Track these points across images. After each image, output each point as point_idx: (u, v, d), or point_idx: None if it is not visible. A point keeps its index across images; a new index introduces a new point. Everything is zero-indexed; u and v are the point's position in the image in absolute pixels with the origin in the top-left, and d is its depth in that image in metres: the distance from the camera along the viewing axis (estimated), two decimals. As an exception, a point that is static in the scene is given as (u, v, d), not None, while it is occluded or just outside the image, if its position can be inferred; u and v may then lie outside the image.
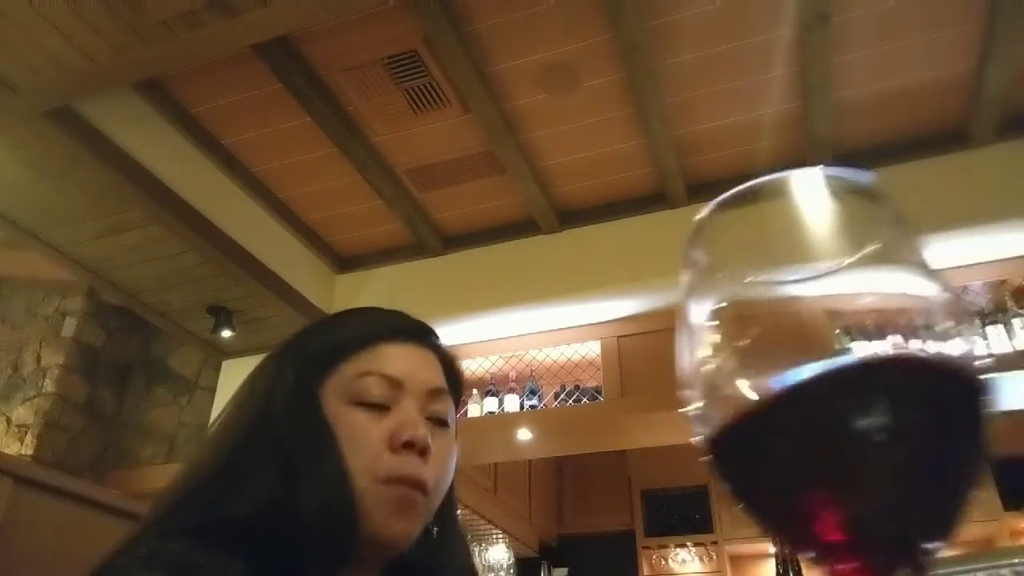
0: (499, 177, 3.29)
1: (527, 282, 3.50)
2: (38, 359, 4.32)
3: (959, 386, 0.26)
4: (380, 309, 0.77)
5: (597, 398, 3.50)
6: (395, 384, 0.68)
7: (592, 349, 3.62)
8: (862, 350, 0.24)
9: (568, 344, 3.65)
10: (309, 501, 0.61)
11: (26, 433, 4.05)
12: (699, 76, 2.79)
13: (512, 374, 3.71)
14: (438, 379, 0.73)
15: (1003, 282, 3.16)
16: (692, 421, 0.28)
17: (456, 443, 0.74)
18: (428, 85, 2.77)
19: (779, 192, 0.29)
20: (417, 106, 2.87)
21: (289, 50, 2.63)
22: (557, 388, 3.65)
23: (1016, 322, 3.02)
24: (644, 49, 2.60)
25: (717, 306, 0.27)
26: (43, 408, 4.09)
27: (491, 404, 3.64)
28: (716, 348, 0.27)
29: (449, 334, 3.65)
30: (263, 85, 2.79)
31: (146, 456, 4.37)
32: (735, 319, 0.27)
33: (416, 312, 0.79)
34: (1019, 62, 2.69)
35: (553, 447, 4.00)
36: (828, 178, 0.29)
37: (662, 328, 3.47)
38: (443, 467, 0.70)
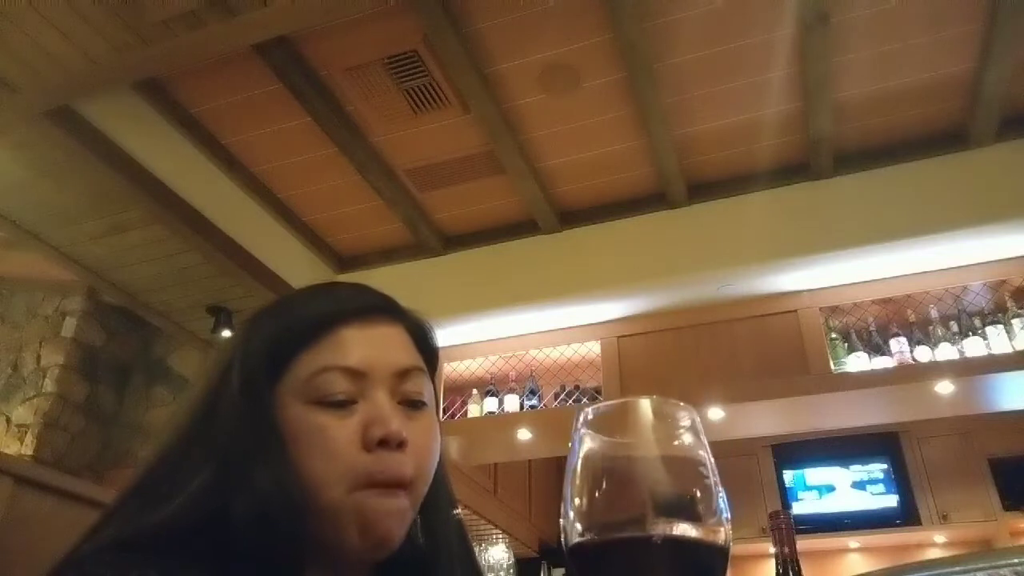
0: (499, 177, 3.29)
1: (527, 282, 3.50)
2: (38, 359, 4.32)
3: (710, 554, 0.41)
4: (335, 285, 0.72)
5: (597, 398, 3.50)
6: (358, 376, 0.63)
7: (592, 349, 3.62)
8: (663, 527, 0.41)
9: (568, 344, 3.65)
10: (243, 509, 0.58)
11: (26, 433, 4.05)
12: (699, 76, 2.79)
13: (512, 374, 3.71)
14: (407, 357, 0.67)
15: (1003, 282, 3.16)
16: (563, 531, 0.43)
17: (437, 419, 0.70)
18: (428, 85, 2.77)
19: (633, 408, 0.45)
20: (417, 106, 2.87)
21: (289, 50, 2.63)
22: (557, 388, 3.65)
23: (1016, 322, 3.02)
24: (644, 49, 2.60)
25: (581, 459, 0.44)
26: (43, 408, 4.09)
27: (491, 404, 3.64)
28: (577, 491, 0.43)
29: (449, 334, 3.65)
30: (263, 85, 2.79)
31: (146, 456, 4.37)
32: (591, 473, 0.43)
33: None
34: (1019, 62, 2.69)
35: (553, 447, 4.00)
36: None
37: (662, 328, 3.47)
38: (424, 452, 0.65)
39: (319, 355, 0.63)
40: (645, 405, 0.44)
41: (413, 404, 0.66)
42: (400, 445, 0.62)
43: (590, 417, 0.44)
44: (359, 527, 0.60)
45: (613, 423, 0.44)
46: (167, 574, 0.55)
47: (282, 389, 0.63)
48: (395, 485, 0.61)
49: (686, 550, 0.41)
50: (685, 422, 0.44)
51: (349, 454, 0.61)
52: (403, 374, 0.66)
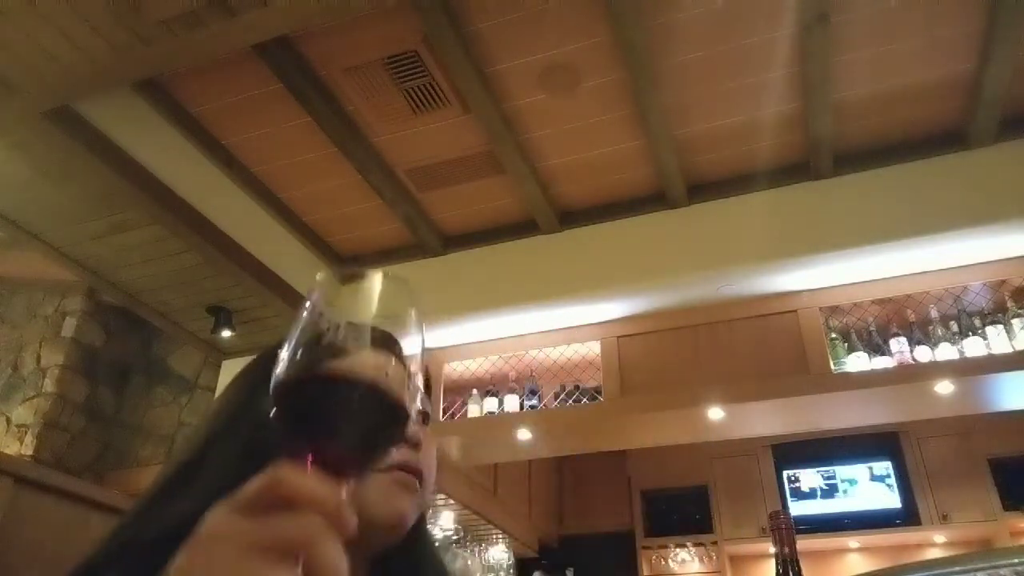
0: (499, 177, 3.29)
1: (527, 282, 3.50)
2: (38, 359, 4.32)
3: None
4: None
5: (597, 398, 3.50)
6: None
7: (592, 349, 3.62)
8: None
9: (568, 344, 3.65)
10: None
11: (26, 433, 4.06)
12: (699, 76, 2.79)
13: (512, 374, 3.71)
14: (414, 381, 0.76)
15: (1003, 282, 3.16)
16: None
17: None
18: (428, 85, 2.77)
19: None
20: (417, 106, 2.87)
21: (289, 50, 2.63)
22: (557, 388, 3.65)
23: (1016, 322, 3.02)
24: (644, 49, 2.60)
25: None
26: (43, 408, 4.10)
27: (491, 404, 3.64)
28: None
29: (449, 334, 3.65)
30: (263, 85, 2.79)
31: (146, 456, 4.38)
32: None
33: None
34: (1019, 62, 2.69)
35: (553, 447, 4.00)
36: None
37: (662, 328, 3.47)
38: (431, 459, 0.74)
39: (345, 363, 0.69)
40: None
41: (422, 418, 0.75)
42: (416, 445, 0.71)
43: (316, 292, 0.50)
44: (378, 503, 0.67)
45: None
46: None
47: None
48: (412, 471, 0.70)
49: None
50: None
51: None
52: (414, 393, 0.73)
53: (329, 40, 2.62)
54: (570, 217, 3.53)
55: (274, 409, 0.47)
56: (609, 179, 3.34)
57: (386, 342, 0.74)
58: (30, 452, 3.95)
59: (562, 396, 3.61)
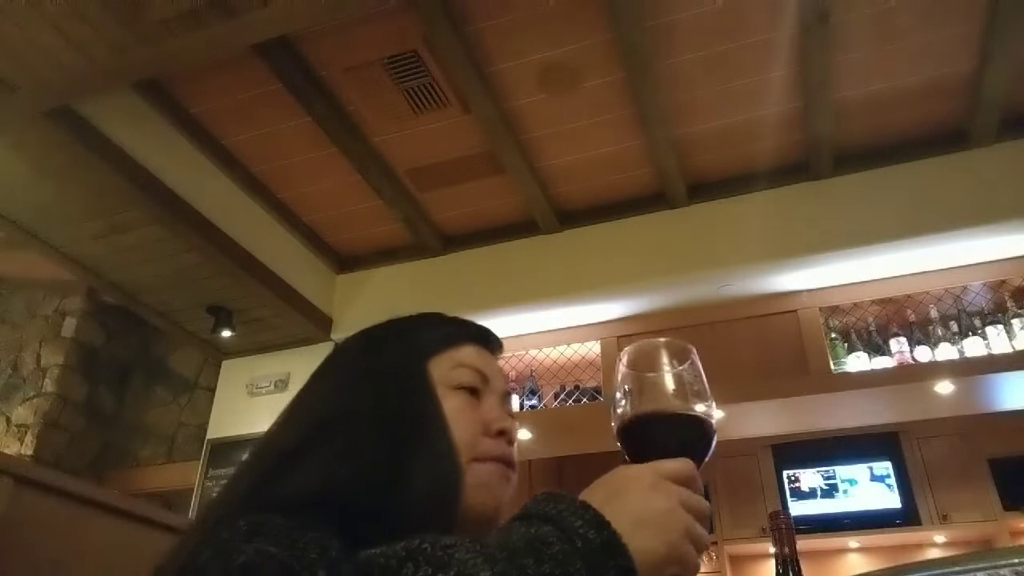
0: (499, 177, 3.29)
1: (527, 282, 3.50)
2: (38, 359, 4.32)
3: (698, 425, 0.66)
4: (456, 317, 0.89)
5: (597, 398, 3.50)
6: (483, 377, 0.79)
7: (592, 349, 3.62)
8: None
9: (568, 344, 3.65)
10: (423, 475, 0.66)
11: (26, 433, 4.06)
12: (699, 76, 2.79)
13: (512, 374, 3.71)
14: (507, 383, 0.85)
15: (1003, 282, 3.16)
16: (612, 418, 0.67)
17: None
18: (428, 85, 2.77)
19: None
20: (417, 106, 2.87)
21: (289, 50, 2.63)
22: (557, 388, 3.65)
23: (1016, 322, 3.02)
24: (644, 49, 2.60)
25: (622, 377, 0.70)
26: (43, 408, 4.10)
27: (491, 404, 3.63)
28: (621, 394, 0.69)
29: (449, 334, 3.65)
30: (263, 85, 2.79)
31: (145, 456, 4.38)
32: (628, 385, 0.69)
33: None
34: (1019, 62, 2.69)
35: (553, 447, 4.00)
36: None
37: (662, 328, 3.47)
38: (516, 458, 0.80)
39: (455, 356, 0.79)
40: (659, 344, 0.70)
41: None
42: (511, 441, 0.78)
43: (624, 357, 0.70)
44: (488, 490, 0.72)
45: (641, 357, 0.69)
46: (322, 540, 0.53)
47: (428, 374, 0.77)
48: (508, 464, 0.76)
49: (684, 419, 0.65)
50: (688, 357, 0.69)
51: (475, 434, 0.74)
52: (506, 394, 0.83)
53: (329, 40, 2.62)
54: (570, 217, 3.53)
55: (622, 436, 0.66)
56: (609, 179, 3.34)
57: (494, 341, 0.89)
58: (30, 452, 3.95)
59: (562, 396, 3.61)
